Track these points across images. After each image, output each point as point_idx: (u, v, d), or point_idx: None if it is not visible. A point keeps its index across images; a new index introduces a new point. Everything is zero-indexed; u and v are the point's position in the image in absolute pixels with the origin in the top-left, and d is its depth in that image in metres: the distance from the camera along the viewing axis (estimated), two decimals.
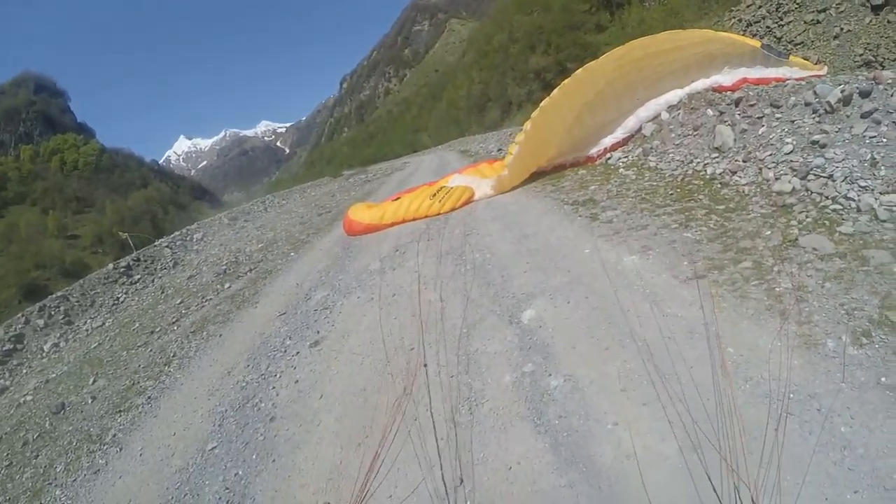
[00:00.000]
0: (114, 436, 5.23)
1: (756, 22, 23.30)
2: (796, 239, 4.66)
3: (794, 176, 5.64)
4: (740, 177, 6.45)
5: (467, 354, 4.57)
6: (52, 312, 10.52)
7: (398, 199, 11.96)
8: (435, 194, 11.03)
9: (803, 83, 7.54)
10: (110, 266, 13.44)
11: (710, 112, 8.52)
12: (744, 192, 6.10)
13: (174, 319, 8.61)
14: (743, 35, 15.65)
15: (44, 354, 8.96)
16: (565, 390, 3.70)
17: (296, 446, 4.11)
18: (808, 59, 10.53)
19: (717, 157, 7.36)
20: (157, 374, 6.43)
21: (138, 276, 13.03)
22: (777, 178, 5.84)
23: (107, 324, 10.04)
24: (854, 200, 4.76)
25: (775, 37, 20.76)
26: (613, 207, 7.34)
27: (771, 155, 6.30)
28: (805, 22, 21.11)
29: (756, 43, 9.58)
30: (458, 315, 5.34)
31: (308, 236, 13.06)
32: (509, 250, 6.90)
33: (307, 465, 3.83)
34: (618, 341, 4.07)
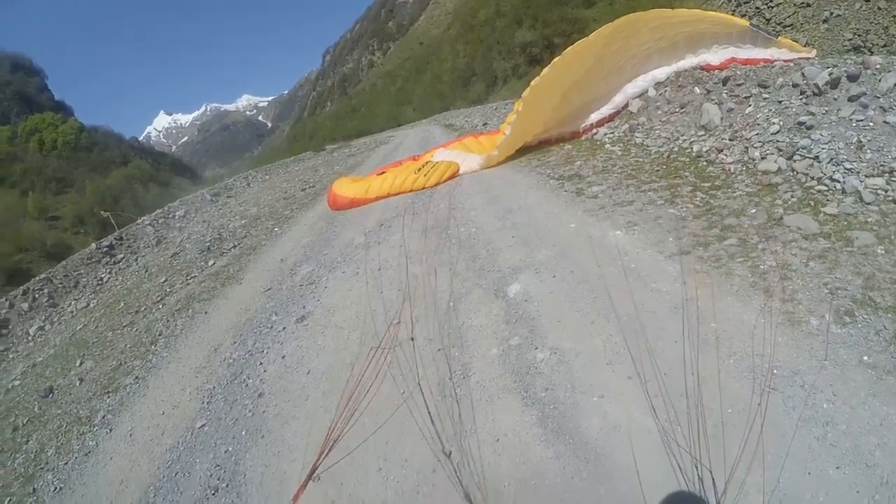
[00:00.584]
0: (103, 417, 5.16)
1: (746, 2, 23.24)
2: (781, 218, 4.72)
3: (780, 156, 5.69)
4: (726, 155, 6.49)
5: (454, 328, 4.58)
6: (36, 296, 10.32)
7: (383, 173, 11.89)
8: (420, 168, 10.96)
9: (791, 65, 7.58)
10: (93, 246, 13.17)
11: (697, 90, 8.54)
12: (729, 170, 6.14)
13: (159, 298, 8.51)
14: (732, 15, 15.59)
15: (30, 338, 8.80)
16: (551, 363, 3.73)
17: (284, 421, 4.10)
18: (796, 42, 10.56)
19: (703, 135, 7.40)
20: (143, 354, 6.36)
21: (121, 256, 12.80)
22: (763, 158, 5.89)
23: (91, 304, 9.89)
24: (839, 182, 4.83)
25: (764, 18, 20.76)
26: (599, 183, 7.36)
27: (757, 134, 6.35)
28: (794, 4, 21.12)
29: (745, 23, 9.58)
30: (444, 289, 5.35)
31: (292, 211, 12.95)
32: (495, 225, 6.90)
33: (296, 439, 3.83)
34: (603, 315, 4.11)
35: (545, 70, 9.50)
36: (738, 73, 8.03)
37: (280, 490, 3.41)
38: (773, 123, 6.29)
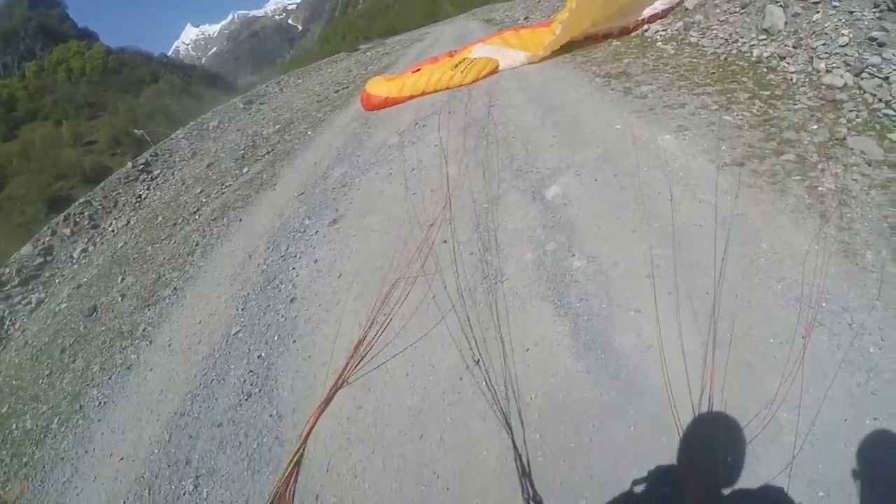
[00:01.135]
0: (143, 330, 5.31)
1: None
2: (844, 138, 4.34)
3: (848, 71, 5.23)
4: (789, 63, 6.02)
5: (488, 231, 4.47)
6: (77, 219, 10.46)
7: (418, 70, 11.39)
8: (457, 65, 10.39)
9: None
10: (129, 165, 13.31)
11: None
12: (791, 80, 5.70)
13: (195, 209, 8.58)
14: None
15: (74, 261, 8.95)
16: (588, 272, 3.63)
17: (316, 326, 4.15)
18: None
19: (764, 40, 6.86)
20: (181, 265, 6.47)
21: (158, 171, 12.86)
22: (828, 71, 5.43)
23: (131, 222, 10.01)
24: None
25: None
26: (649, 83, 6.90)
27: (824, 45, 5.84)
28: None
29: None
30: (479, 190, 5.20)
31: (325, 114, 12.65)
32: (535, 123, 6.60)
33: (327, 344, 3.87)
34: (646, 224, 3.92)
35: None
36: None
37: (310, 394, 3.48)
38: (843, 35, 5.76)
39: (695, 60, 7.31)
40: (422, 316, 3.72)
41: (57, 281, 8.40)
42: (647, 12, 9.75)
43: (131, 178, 12.52)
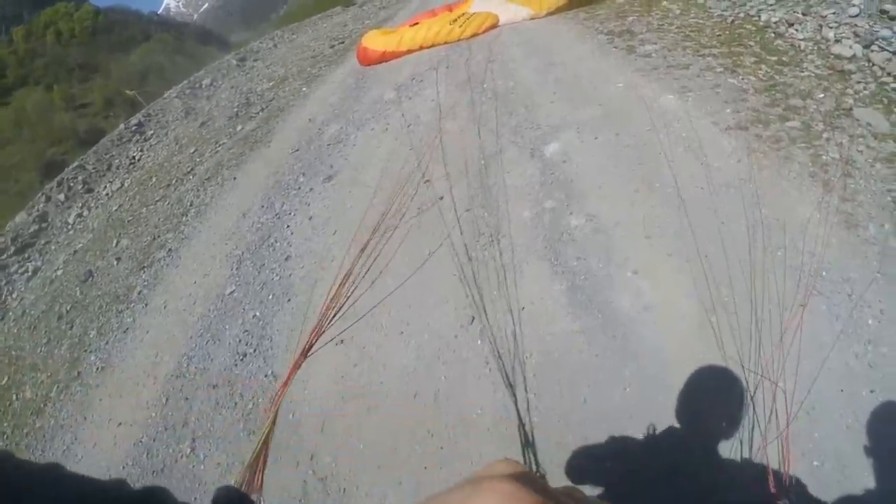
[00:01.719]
0: (139, 293, 5.25)
1: None
2: (851, 109, 4.27)
3: (857, 42, 5.14)
4: (797, 30, 5.91)
5: (485, 187, 4.41)
6: (71, 184, 10.25)
7: (416, 24, 11.14)
8: (456, 19, 10.18)
9: None
10: (121, 126, 13.00)
11: None
12: (799, 47, 5.59)
13: (189, 169, 8.42)
14: None
15: (69, 227, 8.77)
16: (586, 231, 3.59)
17: (311, 284, 4.11)
18: None
19: (773, 4, 6.73)
20: (175, 226, 6.37)
21: (151, 132, 12.56)
22: (838, 41, 5.33)
23: (125, 184, 9.78)
24: None
25: None
26: (653, 42, 6.75)
27: (834, 14, 5.73)
28: None
29: None
30: (476, 146, 5.10)
31: (320, 70, 12.34)
32: (535, 79, 6.48)
33: (322, 301, 3.81)
34: (647, 184, 3.88)
35: None
36: None
37: None
38: (853, 5, 5.65)
39: (701, 21, 7.17)
40: (414, 272, 3.68)
41: (53, 248, 8.29)
42: None
43: (124, 140, 12.28)
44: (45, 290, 6.60)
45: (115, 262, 6.21)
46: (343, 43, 15.54)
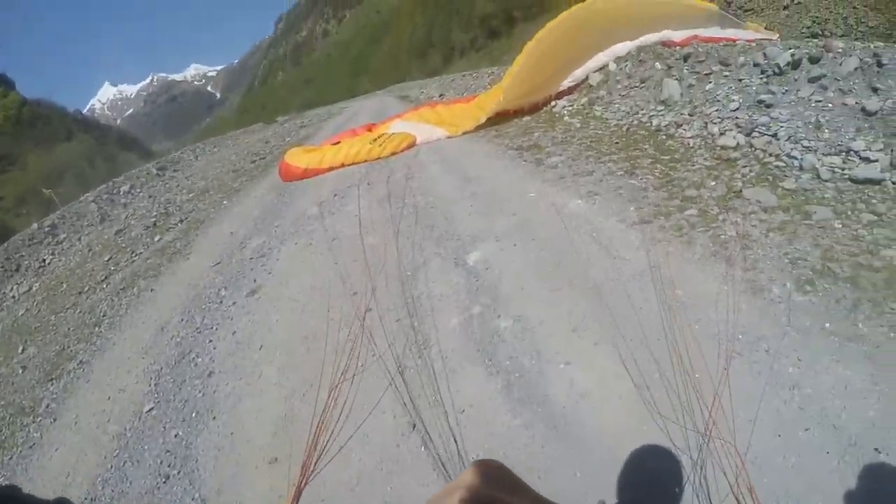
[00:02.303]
0: (47, 406, 4.86)
1: None
2: (740, 191, 4.76)
3: (740, 132, 5.75)
4: (685, 130, 6.52)
5: (413, 298, 4.48)
6: None
7: (338, 143, 11.63)
8: (376, 139, 10.74)
9: (753, 45, 7.69)
10: (34, 226, 12.55)
11: (658, 65, 8.56)
12: (689, 144, 6.17)
13: (103, 277, 8.09)
14: None
15: None
16: (515, 331, 3.67)
17: (237, 401, 3.92)
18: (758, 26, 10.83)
19: (662, 110, 7.42)
20: (87, 336, 6.02)
21: (64, 235, 12.12)
22: (722, 134, 5.93)
23: (34, 288, 9.31)
24: (797, 159, 4.89)
25: (726, 1, 21.10)
26: (559, 153, 7.32)
27: (717, 111, 6.41)
28: None
29: (713, 6, 9.76)
30: (401, 258, 5.23)
31: (241, 184, 12.48)
32: (453, 194, 6.80)
33: (250, 420, 3.66)
34: (566, 282, 4.08)
35: (528, 43, 9.72)
36: (700, 50, 8.11)
37: (236, 472, 3.25)
38: (733, 101, 6.37)
39: (600, 132, 7.82)
40: (351, 386, 3.63)
41: None
42: (554, 89, 10.40)
43: (36, 241, 11.70)
44: None
45: (20, 371, 5.76)
46: (264, 159, 15.84)
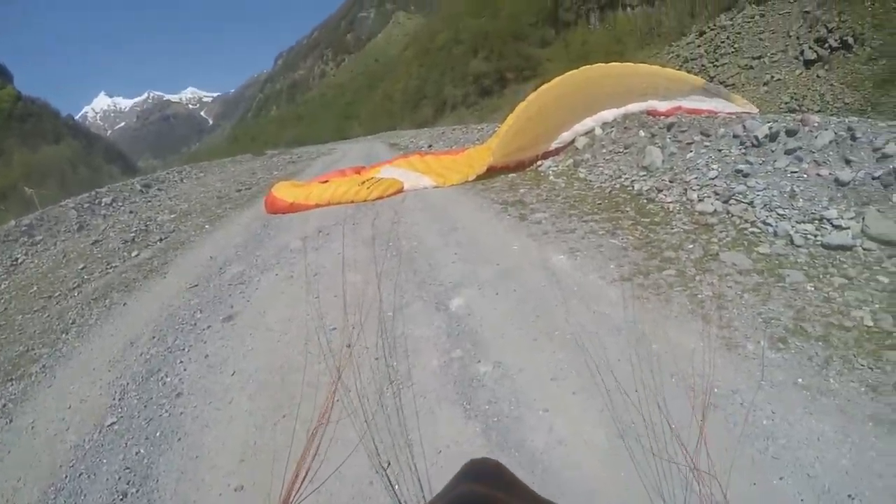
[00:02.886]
0: (3, 406, 4.68)
1: (693, 59, 24.55)
2: (717, 254, 4.96)
3: (717, 199, 5.97)
4: (666, 195, 6.74)
5: (393, 337, 4.50)
6: None
7: (326, 181, 11.75)
8: (364, 182, 10.88)
9: (734, 118, 8.00)
10: (12, 223, 12.26)
11: (642, 133, 8.88)
12: (669, 208, 6.38)
13: (75, 285, 7.93)
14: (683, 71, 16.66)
15: None
16: (495, 376, 3.71)
17: (205, 424, 3.84)
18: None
19: (644, 175, 7.67)
20: (53, 342, 5.86)
21: (40, 237, 11.84)
22: (701, 200, 6.15)
23: (3, 286, 9.10)
24: (772, 226, 5.12)
25: (709, 76, 22.00)
26: (542, 210, 7.52)
27: (696, 178, 6.65)
28: (739, 66, 22.47)
29: (700, 81, 10.15)
30: (383, 298, 5.26)
31: (225, 211, 12.46)
32: (437, 241, 6.91)
33: (217, 445, 3.59)
34: (546, 333, 4.15)
35: (519, 105, 10.02)
36: (683, 120, 8.44)
37: (197, 497, 3.17)
38: (713, 169, 6.62)
39: (583, 192, 8.06)
40: (323, 421, 3.61)
41: None
42: (540, 150, 10.70)
43: (11, 238, 11.32)
44: None
45: None
46: (250, 189, 15.82)
